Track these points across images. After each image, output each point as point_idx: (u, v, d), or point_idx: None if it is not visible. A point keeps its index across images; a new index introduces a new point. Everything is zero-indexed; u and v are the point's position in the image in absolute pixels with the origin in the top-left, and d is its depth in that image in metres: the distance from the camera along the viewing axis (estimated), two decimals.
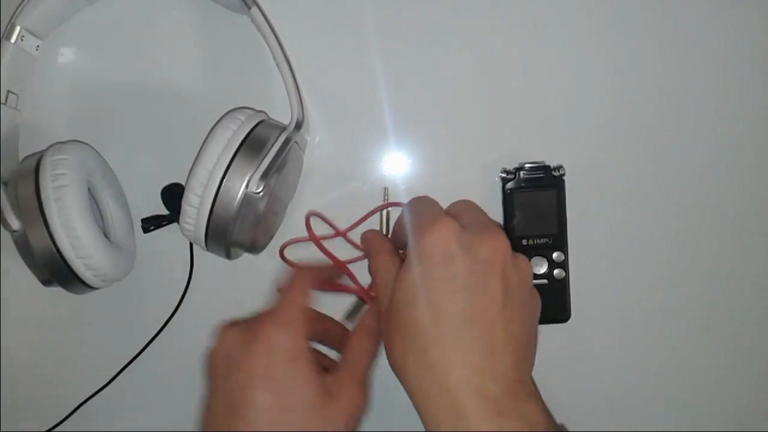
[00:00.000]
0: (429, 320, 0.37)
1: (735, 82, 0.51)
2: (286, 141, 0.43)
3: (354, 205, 0.50)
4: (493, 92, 0.50)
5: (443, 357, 0.37)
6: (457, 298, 0.37)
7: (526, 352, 0.39)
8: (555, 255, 0.49)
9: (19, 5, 0.45)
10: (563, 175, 0.49)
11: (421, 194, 0.50)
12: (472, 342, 0.37)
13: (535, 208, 0.49)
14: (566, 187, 0.49)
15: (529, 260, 0.45)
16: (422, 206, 0.44)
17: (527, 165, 0.49)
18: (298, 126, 0.44)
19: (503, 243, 0.39)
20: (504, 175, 0.49)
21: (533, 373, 0.40)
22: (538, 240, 0.49)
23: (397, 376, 0.39)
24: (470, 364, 0.36)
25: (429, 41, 0.50)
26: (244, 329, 0.40)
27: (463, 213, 0.42)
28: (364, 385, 0.41)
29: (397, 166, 0.50)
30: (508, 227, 0.49)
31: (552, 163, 0.49)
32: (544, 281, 0.49)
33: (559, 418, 0.43)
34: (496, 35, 0.50)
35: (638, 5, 0.50)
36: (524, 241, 0.49)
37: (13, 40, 0.45)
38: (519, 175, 0.49)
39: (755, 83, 0.51)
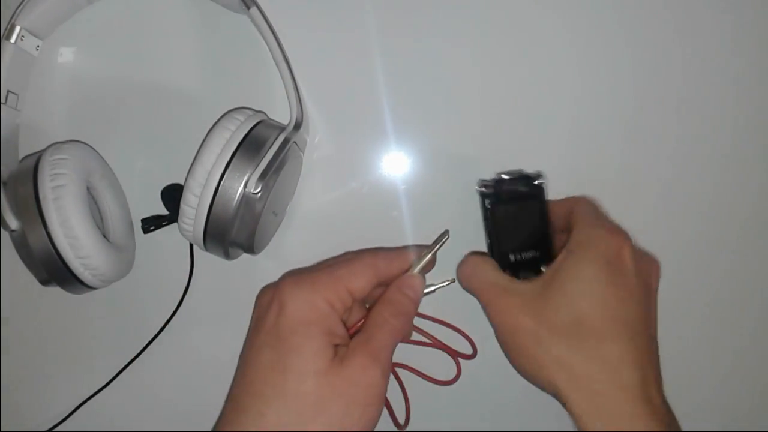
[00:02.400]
0: (602, 319, 0.39)
1: (734, 86, 0.50)
2: (285, 141, 0.43)
3: (354, 205, 0.50)
4: (494, 92, 0.50)
5: (620, 356, 0.38)
6: (631, 307, 0.39)
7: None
8: (544, 268, 0.45)
9: (19, 5, 0.45)
10: (543, 182, 0.46)
11: (420, 194, 0.50)
12: (643, 349, 0.39)
13: (519, 221, 0.46)
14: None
15: (519, 277, 0.44)
16: (602, 212, 0.46)
17: (505, 176, 0.46)
18: (297, 126, 0.44)
19: (658, 270, 0.43)
20: (483, 189, 0.46)
21: None
22: (525, 254, 0.45)
23: (537, 373, 0.39)
24: (641, 368, 0.38)
25: (429, 41, 0.50)
26: (279, 283, 0.40)
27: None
28: (379, 360, 0.38)
29: (397, 167, 0.50)
30: (492, 243, 0.46)
31: (534, 169, 0.47)
32: None
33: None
34: (496, 35, 0.50)
35: (637, 12, 0.50)
36: (512, 257, 0.45)
37: (13, 40, 0.45)
38: (498, 187, 0.45)
39: (756, 90, 0.50)
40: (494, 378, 0.50)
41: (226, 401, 0.39)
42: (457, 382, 0.46)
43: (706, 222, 0.51)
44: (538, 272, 0.45)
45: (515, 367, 0.41)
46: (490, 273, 0.43)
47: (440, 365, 0.46)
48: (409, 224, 0.50)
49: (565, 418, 0.39)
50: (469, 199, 0.50)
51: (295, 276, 0.40)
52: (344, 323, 0.40)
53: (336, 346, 0.38)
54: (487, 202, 0.46)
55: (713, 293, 0.52)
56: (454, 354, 0.46)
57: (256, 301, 0.42)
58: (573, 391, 0.38)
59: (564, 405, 0.38)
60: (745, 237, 0.51)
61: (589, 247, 0.40)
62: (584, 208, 0.45)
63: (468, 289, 0.44)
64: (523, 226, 0.46)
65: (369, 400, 0.37)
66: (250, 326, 0.41)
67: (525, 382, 0.41)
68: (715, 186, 0.51)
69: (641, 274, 0.41)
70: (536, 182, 0.46)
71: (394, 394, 0.47)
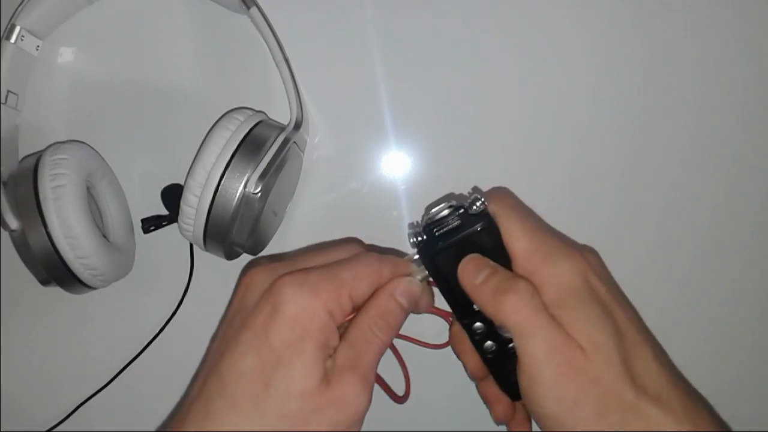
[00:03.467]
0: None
1: (739, 88, 0.50)
2: (285, 141, 0.43)
3: (354, 205, 0.50)
4: (494, 92, 0.50)
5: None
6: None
7: None
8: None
9: (19, 5, 0.45)
10: (482, 205, 0.37)
11: (420, 194, 0.50)
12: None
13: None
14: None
15: (492, 323, 0.37)
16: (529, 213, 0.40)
17: (433, 217, 0.37)
18: (297, 126, 0.44)
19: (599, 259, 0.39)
20: (415, 239, 0.37)
21: None
22: None
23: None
24: None
25: (429, 41, 0.50)
26: (274, 274, 0.36)
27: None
28: (368, 382, 0.34)
29: (397, 167, 0.50)
30: (449, 297, 0.38)
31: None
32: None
33: None
34: (497, 35, 0.50)
35: (640, 11, 0.50)
36: (475, 306, 0.37)
37: (13, 40, 0.45)
38: (432, 232, 0.37)
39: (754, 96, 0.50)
40: None
41: (194, 395, 0.35)
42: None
43: (709, 224, 0.51)
44: None
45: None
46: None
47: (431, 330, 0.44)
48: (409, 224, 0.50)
49: None
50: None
51: (295, 275, 0.35)
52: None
53: (329, 356, 0.35)
54: (426, 252, 0.37)
55: (714, 293, 0.52)
56: (446, 315, 0.41)
57: (239, 282, 0.37)
58: None
59: None
60: (748, 239, 0.51)
61: (562, 289, 0.35)
62: (518, 229, 0.37)
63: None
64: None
65: (353, 422, 0.34)
66: (229, 310, 0.37)
67: None
68: (720, 189, 0.51)
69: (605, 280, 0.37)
70: (471, 212, 0.37)
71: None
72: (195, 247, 0.48)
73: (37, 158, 0.44)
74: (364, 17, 0.49)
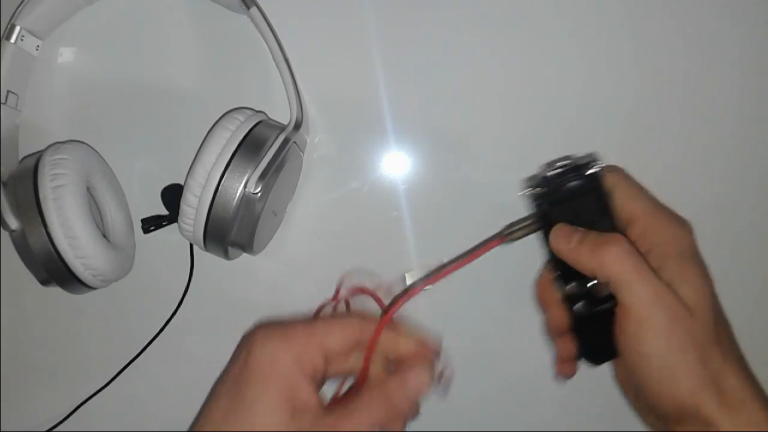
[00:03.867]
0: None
1: (737, 86, 0.50)
2: (285, 141, 0.43)
3: (354, 205, 0.50)
4: (494, 92, 0.50)
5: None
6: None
7: None
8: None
9: (19, 5, 0.45)
10: (600, 167, 0.39)
11: (420, 194, 0.50)
12: None
13: (579, 220, 0.39)
14: None
15: (586, 285, 0.39)
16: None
17: (552, 171, 0.39)
18: (297, 126, 0.44)
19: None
20: (531, 189, 0.40)
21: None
22: None
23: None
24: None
25: (429, 41, 0.50)
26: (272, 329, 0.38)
27: None
28: None
29: (397, 167, 0.50)
30: (553, 252, 0.40)
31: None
32: (612, 303, 0.38)
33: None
34: (497, 34, 0.50)
35: (648, 17, 0.50)
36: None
37: (13, 40, 0.45)
38: (549, 185, 0.39)
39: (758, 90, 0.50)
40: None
41: None
42: None
43: (707, 222, 0.51)
44: None
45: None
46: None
47: None
48: (409, 224, 0.50)
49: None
50: (469, 199, 0.50)
51: (271, 326, 0.38)
52: (319, 382, 0.38)
53: (295, 407, 0.35)
54: (539, 205, 0.40)
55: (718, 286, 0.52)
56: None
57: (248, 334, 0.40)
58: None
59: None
60: (746, 237, 0.51)
61: (679, 248, 0.39)
62: (638, 194, 0.40)
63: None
64: (585, 224, 0.39)
65: None
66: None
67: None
68: (718, 185, 0.51)
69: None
70: (590, 172, 0.39)
71: None
72: (195, 247, 0.48)
73: (37, 158, 0.44)
74: (364, 17, 0.49)
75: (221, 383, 0.38)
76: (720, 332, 0.37)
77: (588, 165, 0.39)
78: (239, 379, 0.36)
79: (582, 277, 0.39)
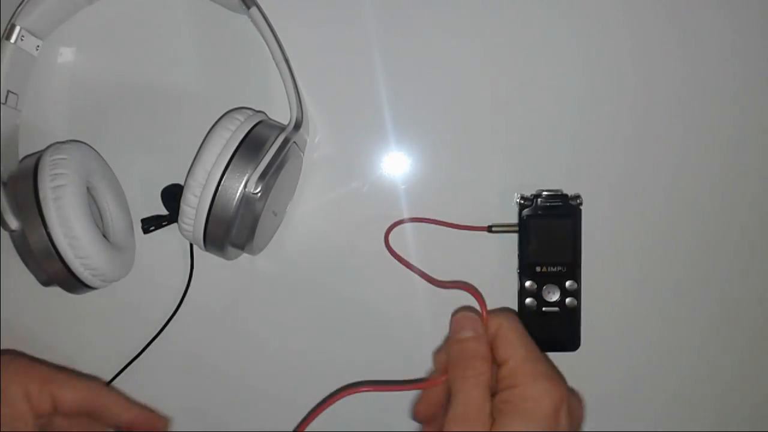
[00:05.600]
0: None
1: (736, 88, 0.50)
2: (285, 141, 0.43)
3: (354, 205, 0.50)
4: (494, 92, 0.50)
5: None
6: None
7: None
8: (568, 283, 0.49)
9: (19, 5, 0.45)
10: (580, 204, 0.49)
11: (420, 195, 0.50)
12: None
13: (550, 236, 0.49)
14: (568, 191, 0.49)
15: (542, 288, 0.49)
16: (528, 342, 0.38)
17: (545, 193, 0.49)
18: (298, 126, 0.44)
19: (582, 408, 0.39)
20: (521, 201, 0.49)
21: None
22: (551, 268, 0.49)
23: None
24: None
25: (429, 41, 0.50)
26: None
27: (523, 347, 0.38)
28: None
29: (397, 167, 0.50)
30: (522, 253, 0.49)
31: (568, 190, 0.49)
32: (556, 309, 0.49)
33: None
34: (497, 35, 0.50)
35: (658, 29, 0.50)
36: (538, 268, 0.49)
37: (13, 40, 0.45)
38: (536, 202, 0.48)
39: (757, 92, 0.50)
40: None
41: None
42: None
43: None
44: (562, 287, 0.49)
45: None
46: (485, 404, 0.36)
47: None
48: (409, 224, 0.50)
49: None
50: (469, 199, 0.50)
51: (24, 356, 0.42)
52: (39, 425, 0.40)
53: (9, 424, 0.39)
54: (523, 213, 0.49)
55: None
56: None
57: None
58: None
59: None
60: (746, 238, 0.51)
61: (534, 405, 0.35)
62: (512, 336, 0.37)
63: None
64: (554, 241, 0.49)
65: None
66: None
67: None
68: (717, 188, 0.51)
69: (572, 424, 0.37)
70: (573, 203, 0.49)
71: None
72: (195, 247, 0.48)
73: (37, 158, 0.44)
74: (364, 17, 0.49)
75: None
76: None
77: (573, 198, 0.49)
78: None
79: (541, 281, 0.49)
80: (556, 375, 0.36)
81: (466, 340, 0.38)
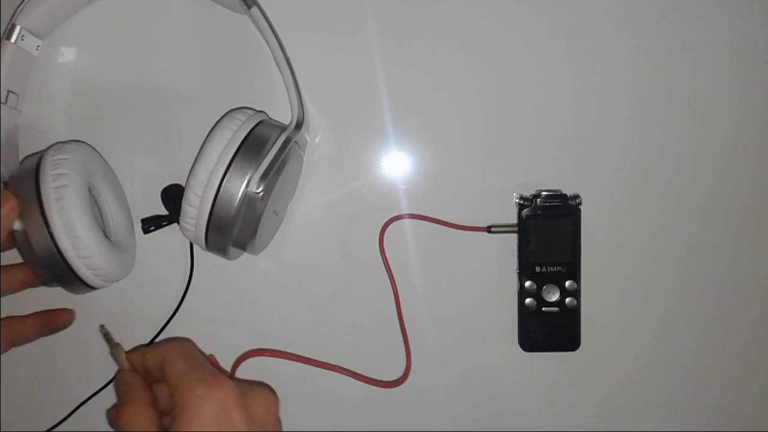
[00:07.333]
0: None
1: (735, 88, 0.51)
2: (286, 141, 0.43)
3: (354, 205, 0.50)
4: (494, 92, 0.50)
5: None
6: None
7: None
8: (568, 283, 0.49)
9: (19, 5, 0.45)
10: (580, 204, 0.49)
11: (420, 195, 0.50)
12: None
13: (550, 236, 0.49)
14: (569, 193, 0.49)
15: (541, 288, 0.49)
16: (194, 357, 0.41)
17: (544, 193, 0.49)
18: (298, 126, 0.44)
19: (274, 401, 0.40)
20: (521, 201, 0.49)
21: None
22: (551, 268, 0.49)
23: None
24: None
25: (429, 41, 0.50)
26: None
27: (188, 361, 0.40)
28: None
29: (397, 166, 0.50)
30: (522, 253, 0.49)
31: (567, 190, 0.49)
32: (555, 309, 0.50)
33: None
34: (496, 36, 0.50)
35: (658, 29, 0.50)
36: (537, 268, 0.49)
37: (13, 40, 0.45)
38: (536, 202, 0.49)
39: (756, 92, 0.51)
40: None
41: None
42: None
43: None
44: (562, 287, 0.49)
45: None
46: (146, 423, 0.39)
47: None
48: (409, 224, 0.50)
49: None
50: (469, 199, 0.50)
51: None
52: None
53: None
54: (522, 213, 0.49)
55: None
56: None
57: None
58: None
59: None
60: (746, 238, 0.52)
61: (194, 412, 0.37)
62: (174, 359, 0.40)
63: None
64: (554, 241, 0.49)
65: None
66: None
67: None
68: (716, 188, 0.51)
69: (254, 419, 0.38)
70: (573, 203, 0.49)
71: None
72: (195, 247, 0.48)
73: (38, 158, 0.44)
74: (365, 18, 0.49)
75: None
76: None
77: (572, 198, 0.49)
78: None
79: (541, 281, 0.49)
80: (216, 379, 0.38)
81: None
